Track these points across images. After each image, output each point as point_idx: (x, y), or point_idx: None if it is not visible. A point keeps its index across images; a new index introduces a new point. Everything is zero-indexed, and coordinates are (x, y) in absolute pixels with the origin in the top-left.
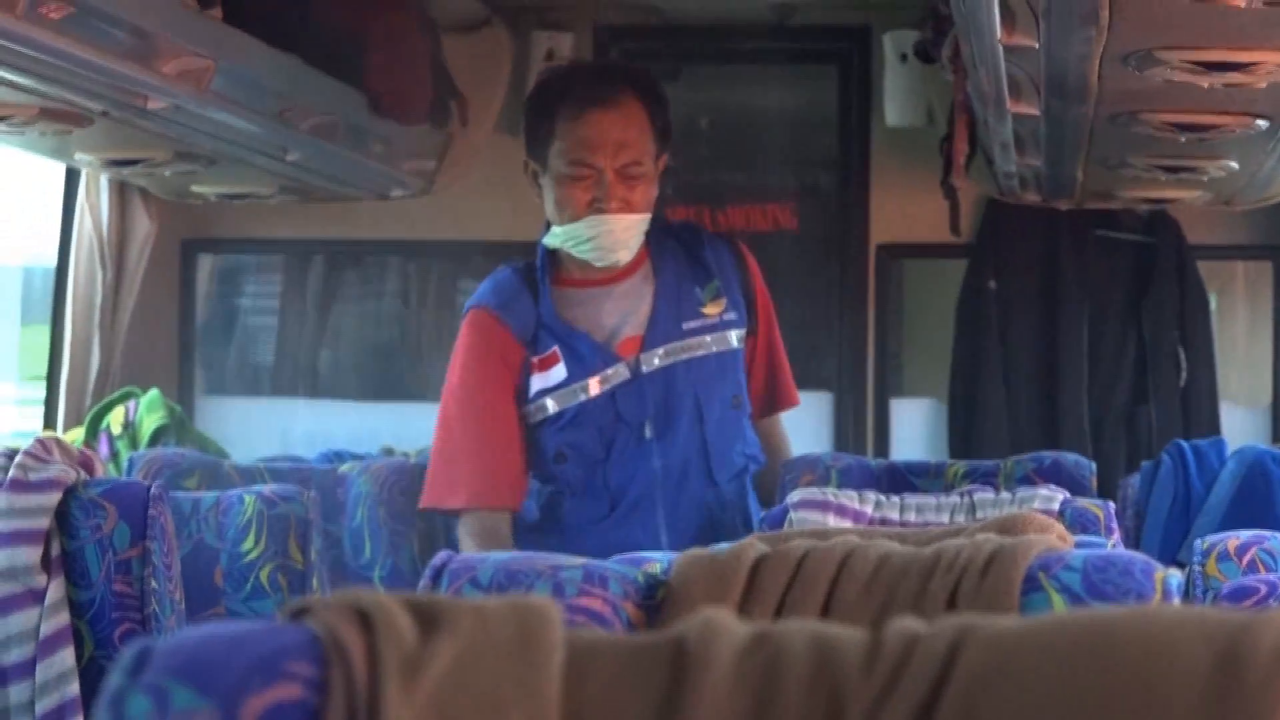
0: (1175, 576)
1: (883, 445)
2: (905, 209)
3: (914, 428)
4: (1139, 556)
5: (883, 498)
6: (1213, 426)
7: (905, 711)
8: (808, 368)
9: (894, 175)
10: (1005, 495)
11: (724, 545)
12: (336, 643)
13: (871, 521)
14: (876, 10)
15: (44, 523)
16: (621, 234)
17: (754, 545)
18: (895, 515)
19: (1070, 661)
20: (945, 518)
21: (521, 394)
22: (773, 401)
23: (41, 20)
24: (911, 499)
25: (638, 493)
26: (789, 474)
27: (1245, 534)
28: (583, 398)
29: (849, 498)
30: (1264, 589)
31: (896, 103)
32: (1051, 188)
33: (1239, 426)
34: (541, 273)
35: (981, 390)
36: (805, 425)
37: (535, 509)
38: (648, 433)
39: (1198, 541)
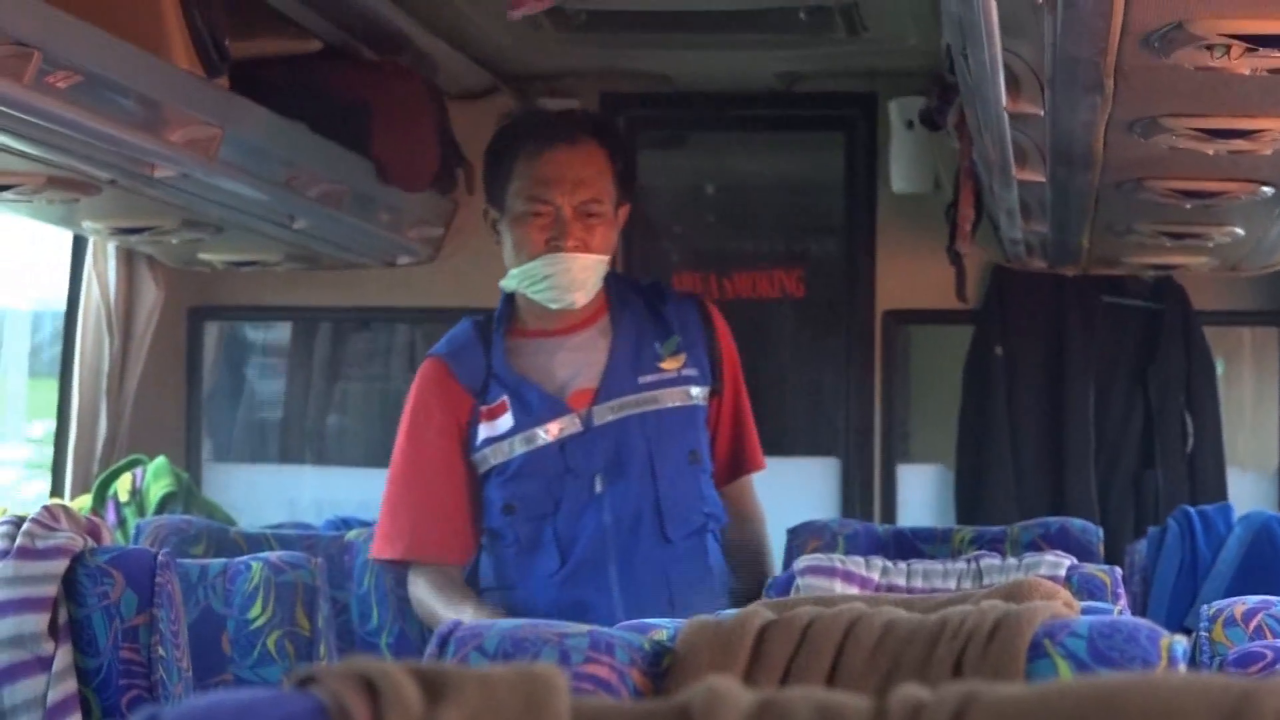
0: (1180, 643)
1: (890, 511)
2: (911, 275)
3: (921, 493)
4: (1144, 623)
5: (890, 564)
6: (1219, 492)
7: None
8: (814, 434)
9: (900, 241)
10: (1012, 561)
11: (728, 611)
12: (343, 711)
13: (878, 588)
14: (882, 77)
15: (51, 590)
16: (579, 273)
17: (759, 613)
18: (902, 581)
19: None
20: (952, 584)
21: (469, 443)
22: (739, 464)
23: (49, 89)
24: (918, 565)
25: (588, 547)
26: (795, 540)
27: (1252, 599)
28: (527, 447)
29: (856, 564)
30: (1270, 655)
31: (902, 169)
32: (1057, 254)
33: (1246, 492)
34: (497, 323)
35: (988, 456)
36: (812, 491)
37: (490, 567)
38: (598, 486)
39: (1204, 607)
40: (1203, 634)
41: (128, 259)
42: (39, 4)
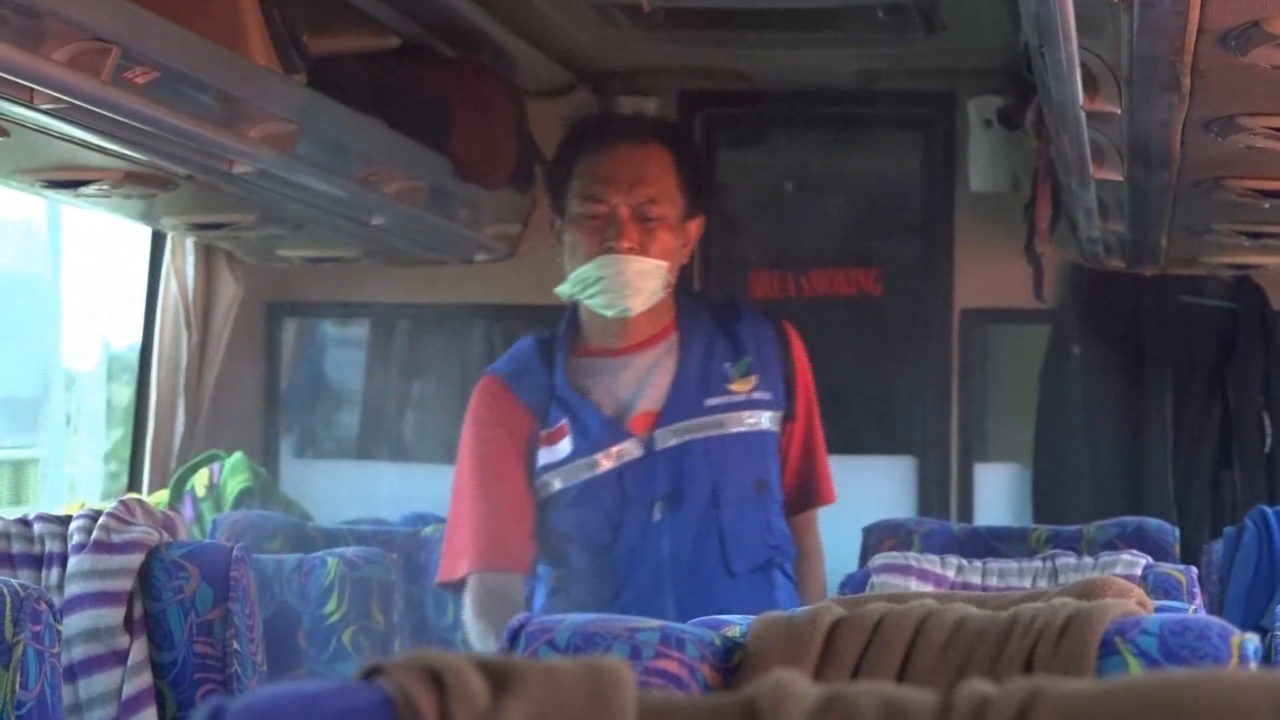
0: (1252, 641)
1: (966, 510)
2: (989, 274)
3: (997, 492)
4: (1216, 621)
5: (965, 562)
6: None
7: None
8: (891, 433)
9: (977, 240)
10: (1088, 560)
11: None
12: (409, 703)
13: (953, 586)
14: (960, 76)
15: (126, 584)
16: (633, 277)
17: (831, 609)
18: (977, 580)
19: None
20: (1028, 582)
21: (530, 468)
22: (808, 496)
23: (127, 85)
24: (994, 564)
25: (645, 579)
26: (870, 538)
27: None
28: (585, 475)
29: (930, 562)
30: None
31: (980, 168)
32: (1135, 253)
33: None
34: (561, 341)
35: (1066, 456)
36: (888, 489)
37: (543, 595)
38: (657, 514)
39: (1279, 607)
40: (1278, 633)
41: (206, 255)
42: (117, 1)
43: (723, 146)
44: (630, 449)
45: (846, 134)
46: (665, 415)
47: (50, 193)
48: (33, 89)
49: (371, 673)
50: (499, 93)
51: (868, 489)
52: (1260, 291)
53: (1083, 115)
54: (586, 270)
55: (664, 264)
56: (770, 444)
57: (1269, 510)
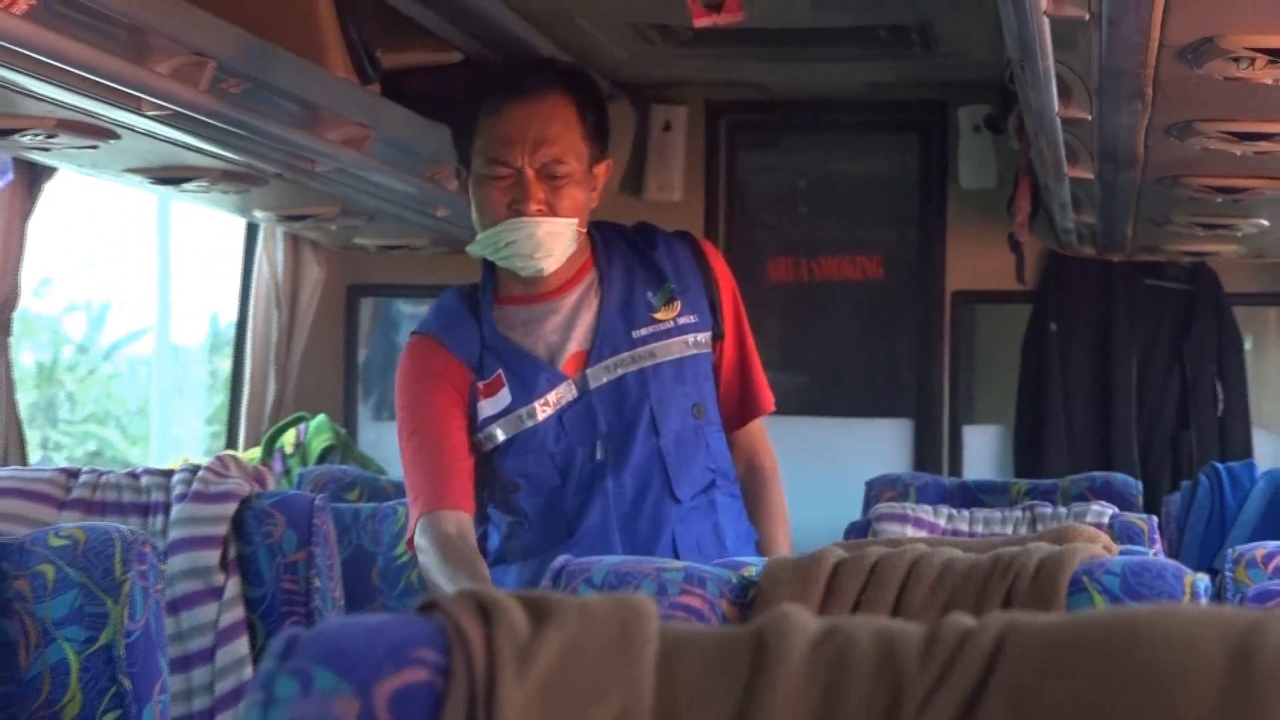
0: (1203, 580)
1: (956, 466)
2: (977, 261)
3: (983, 451)
4: (1171, 563)
5: (954, 511)
6: (1245, 451)
7: (957, 698)
8: (890, 398)
9: (967, 231)
10: (1062, 510)
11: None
12: (459, 633)
13: (944, 533)
14: (952, 87)
15: (222, 529)
16: (543, 238)
17: (834, 552)
18: (965, 527)
19: (1101, 653)
20: (1009, 529)
21: (472, 421)
22: (748, 408)
23: (223, 94)
24: (980, 513)
25: (594, 517)
26: (872, 490)
27: (1272, 544)
28: (530, 424)
29: (925, 512)
30: None
31: (969, 168)
32: (1105, 242)
33: (1269, 451)
34: (483, 291)
35: (1043, 419)
36: (888, 448)
37: (497, 539)
38: (599, 453)
39: (1229, 551)
40: (1228, 574)
41: (294, 243)
42: (214, 19)
43: (744, 149)
44: (566, 392)
45: (852, 138)
46: (595, 353)
47: (158, 188)
48: (141, 98)
49: (428, 607)
50: None
51: (870, 447)
52: (1214, 276)
53: (1058, 121)
54: (496, 233)
55: (573, 220)
56: (704, 367)
57: (1220, 467)
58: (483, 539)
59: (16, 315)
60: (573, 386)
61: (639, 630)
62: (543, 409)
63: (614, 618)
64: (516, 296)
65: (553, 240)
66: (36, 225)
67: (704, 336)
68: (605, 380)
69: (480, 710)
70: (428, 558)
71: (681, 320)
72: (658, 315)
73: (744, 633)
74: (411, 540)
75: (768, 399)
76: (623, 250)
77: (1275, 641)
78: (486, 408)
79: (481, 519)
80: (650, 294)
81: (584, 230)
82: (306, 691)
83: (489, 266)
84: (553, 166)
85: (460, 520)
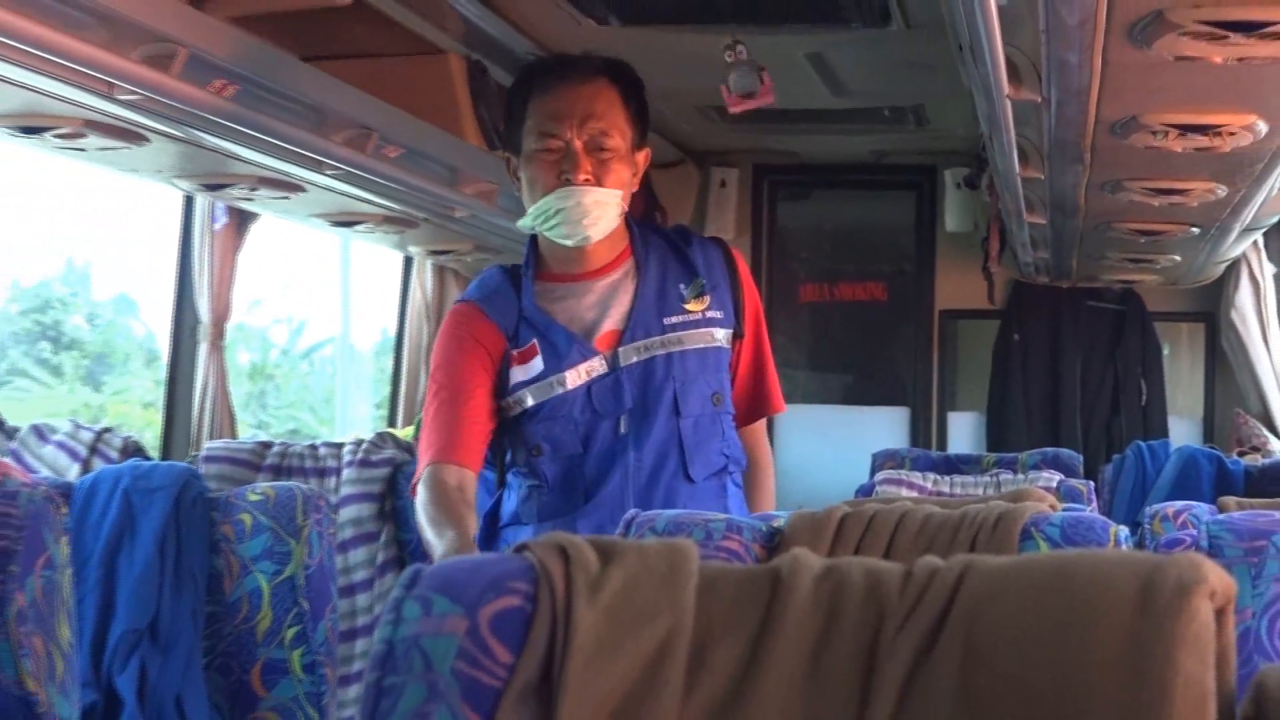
0: (1124, 531)
1: (942, 443)
2: (958, 287)
3: (963, 432)
4: (1100, 518)
5: (939, 477)
6: (1163, 433)
7: (927, 619)
8: (893, 391)
9: (951, 264)
10: (1021, 477)
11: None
12: (544, 569)
13: (930, 493)
14: (939, 154)
15: (379, 488)
16: (590, 206)
17: (841, 508)
18: (946, 489)
19: (1039, 585)
20: (980, 491)
21: (502, 386)
22: (758, 406)
23: (382, 157)
24: (958, 479)
25: (612, 487)
26: (876, 461)
27: (1179, 504)
28: (559, 391)
29: (916, 477)
30: (1189, 540)
31: (953, 216)
32: (1055, 273)
33: (1181, 433)
34: (526, 268)
35: (1008, 407)
36: (890, 430)
37: (514, 502)
38: (622, 427)
39: (1148, 509)
40: (1146, 527)
41: (439, 272)
42: (376, 101)
43: (781, 201)
44: (596, 366)
45: (863, 193)
46: (627, 334)
47: (337, 230)
48: (322, 161)
49: (522, 549)
50: None
51: (876, 429)
52: (1139, 298)
53: (1019, 180)
54: (547, 203)
55: (618, 192)
56: (724, 359)
57: (1143, 445)
58: (499, 502)
59: (233, 327)
60: (604, 361)
61: (683, 567)
62: (574, 378)
63: (664, 557)
64: (557, 274)
65: (599, 208)
66: (246, 258)
67: (726, 333)
68: (635, 360)
69: (560, 628)
70: (422, 502)
71: (709, 314)
72: (688, 306)
73: (764, 570)
74: (415, 486)
75: (778, 401)
76: (659, 244)
77: (1174, 578)
78: (518, 373)
79: (500, 482)
80: (683, 286)
81: (625, 209)
82: (427, 613)
83: (533, 245)
84: (599, 139)
85: (463, 476)
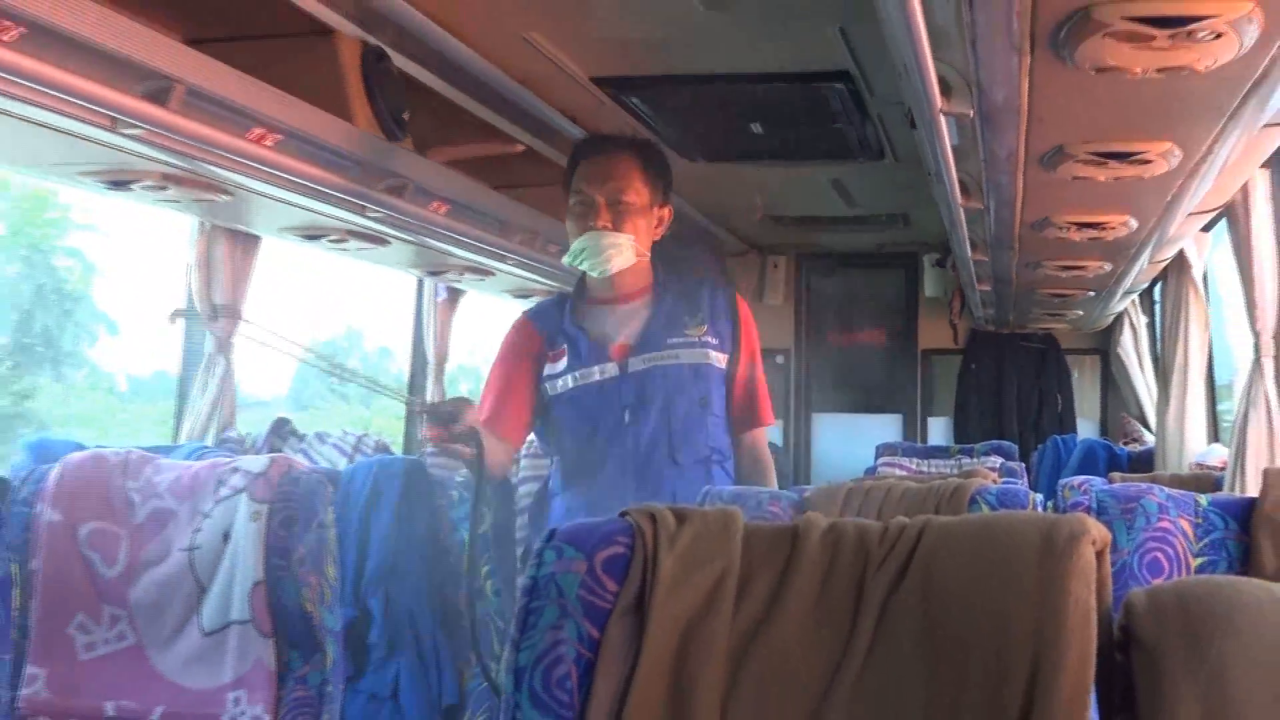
0: (1040, 497)
1: (924, 438)
2: (934, 333)
3: (938, 430)
4: (1025, 489)
5: (921, 461)
6: (1073, 430)
7: (898, 561)
8: (891, 404)
9: (930, 318)
10: (975, 460)
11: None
12: (639, 527)
13: (914, 473)
14: (921, 245)
15: (545, 472)
16: (607, 248)
17: (848, 484)
18: (927, 470)
19: (976, 536)
20: (947, 471)
21: (539, 376)
22: (749, 418)
23: (430, 218)
24: (934, 462)
25: (616, 466)
26: (879, 451)
27: (1081, 478)
28: (578, 383)
29: (905, 461)
30: (1085, 503)
31: (930, 286)
32: (999, 321)
33: (1085, 430)
34: (576, 293)
35: (967, 414)
36: (888, 429)
37: (557, 477)
38: (626, 418)
39: (1060, 482)
40: (1059, 494)
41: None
42: (451, 173)
43: (814, 277)
44: (609, 369)
45: (869, 271)
46: (637, 347)
47: (417, 272)
48: (505, 255)
49: (623, 514)
50: (712, 254)
51: (878, 429)
52: (1056, 339)
53: (971, 262)
54: (576, 244)
55: (630, 236)
56: (715, 374)
57: (1059, 439)
58: (549, 477)
59: (454, 367)
60: (615, 366)
61: (732, 525)
62: (590, 375)
63: (720, 519)
64: (595, 299)
65: (615, 248)
66: (459, 319)
67: (720, 356)
68: (640, 368)
69: (649, 568)
70: (480, 449)
71: (706, 339)
72: (689, 331)
73: (787, 527)
74: (475, 421)
75: (768, 415)
76: (677, 286)
77: (1066, 530)
78: (550, 368)
79: (549, 456)
80: (688, 317)
81: (645, 251)
82: (559, 557)
83: (582, 277)
84: (617, 195)
85: (504, 448)
